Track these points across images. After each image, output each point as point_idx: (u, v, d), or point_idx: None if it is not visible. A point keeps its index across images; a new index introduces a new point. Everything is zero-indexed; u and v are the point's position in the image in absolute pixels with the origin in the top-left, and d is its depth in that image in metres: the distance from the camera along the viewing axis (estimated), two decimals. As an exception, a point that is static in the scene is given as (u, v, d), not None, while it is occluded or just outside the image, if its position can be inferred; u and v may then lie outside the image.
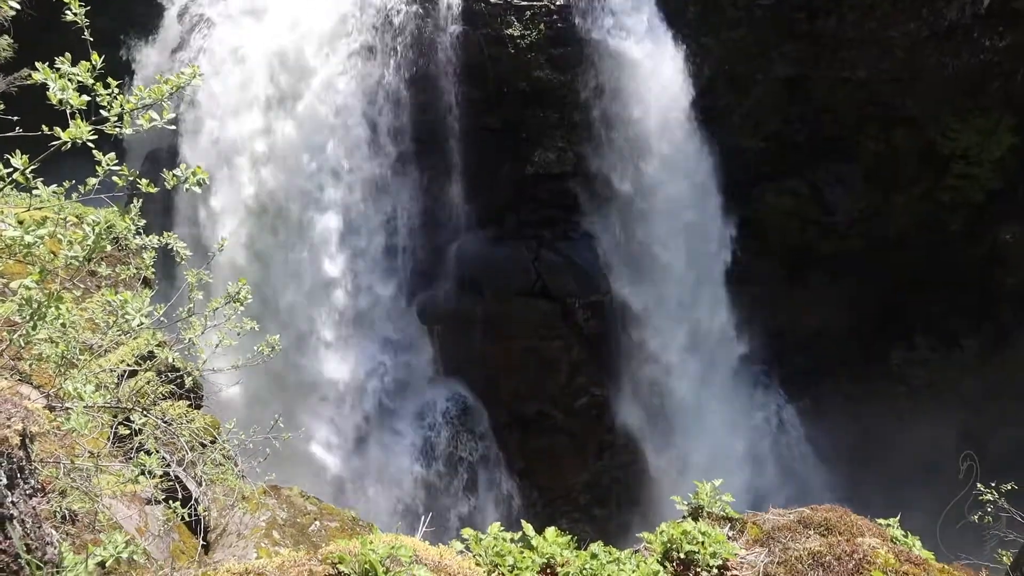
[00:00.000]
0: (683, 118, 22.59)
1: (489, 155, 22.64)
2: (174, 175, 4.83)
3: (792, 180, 24.58)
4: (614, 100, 22.23)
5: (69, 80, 3.88)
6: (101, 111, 4.09)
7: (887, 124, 24.03)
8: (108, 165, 4.35)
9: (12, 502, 2.83)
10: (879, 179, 24.63)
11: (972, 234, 25.21)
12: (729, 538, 4.42)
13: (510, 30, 21.40)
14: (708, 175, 23.25)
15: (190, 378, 7.02)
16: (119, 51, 23.11)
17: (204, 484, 8.54)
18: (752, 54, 23.02)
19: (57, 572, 2.95)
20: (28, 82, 3.99)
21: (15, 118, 4.31)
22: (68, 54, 3.92)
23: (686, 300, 23.73)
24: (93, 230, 4.44)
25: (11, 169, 3.91)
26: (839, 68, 23.19)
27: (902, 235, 25.18)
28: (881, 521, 4.65)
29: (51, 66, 3.87)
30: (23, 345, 4.55)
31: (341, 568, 3.32)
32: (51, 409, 5.80)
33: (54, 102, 3.85)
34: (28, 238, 4.17)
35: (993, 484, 10.04)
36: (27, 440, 3.11)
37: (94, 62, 3.93)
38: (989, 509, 9.81)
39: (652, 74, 22.14)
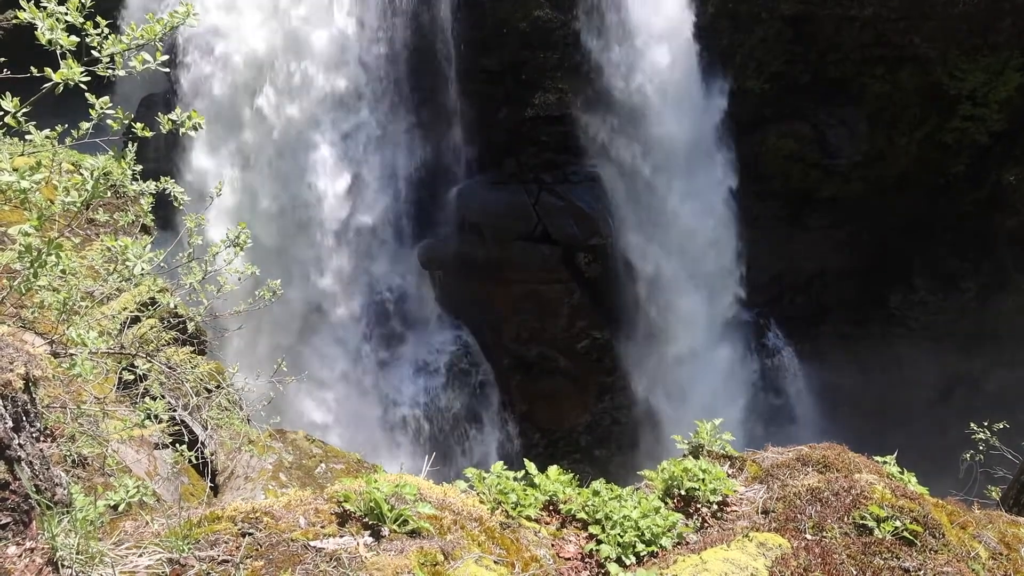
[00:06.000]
0: (685, 58, 22.17)
1: (488, 97, 22.31)
2: (169, 119, 4.75)
3: (795, 122, 24.25)
4: (615, 39, 21.78)
5: (57, 20, 3.77)
6: (93, 52, 3.98)
7: (893, 64, 23.58)
8: (102, 108, 4.27)
9: (19, 444, 2.86)
10: (883, 121, 24.30)
11: (974, 176, 25.00)
12: (729, 475, 4.50)
13: (509, -32, 20.87)
14: (710, 117, 22.93)
15: (192, 324, 7.04)
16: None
17: (210, 428, 8.66)
18: (757, -9, 22.48)
19: (67, 513, 3.00)
20: (14, 22, 3.87)
21: (2, 59, 4.21)
22: (55, -8, 3.80)
23: (686, 243, 23.68)
24: (91, 176, 4.38)
25: (1, 113, 3.83)
26: (846, 6, 22.64)
27: (903, 177, 24.98)
28: (878, 458, 4.72)
29: (38, 5, 3.76)
30: (24, 293, 4.54)
31: (346, 506, 3.38)
32: (55, 355, 5.83)
33: (43, 43, 3.75)
34: (24, 184, 4.12)
35: (986, 423, 10.20)
36: (31, 384, 3.13)
37: (83, 0, 3.82)
38: (981, 447, 9.99)
39: (654, 12, 21.66)
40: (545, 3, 21.38)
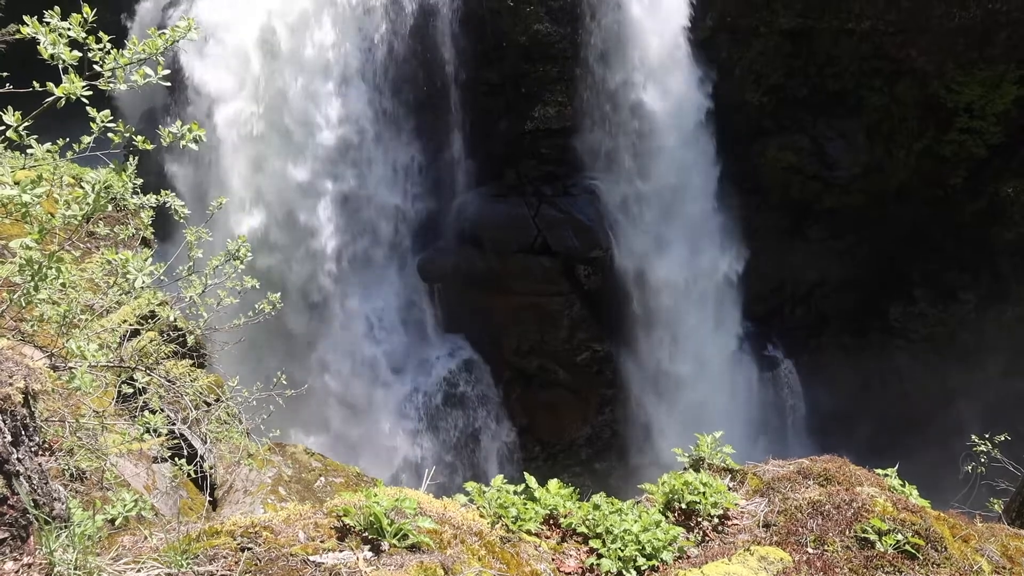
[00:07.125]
0: (684, 72, 22.28)
1: (488, 110, 22.40)
2: (170, 132, 4.76)
3: (793, 135, 24.34)
4: (614, 54, 21.90)
5: (60, 35, 3.79)
6: (95, 67, 4.00)
7: (890, 77, 23.70)
8: (103, 122, 4.28)
9: (18, 458, 2.85)
10: (881, 133, 24.39)
11: (972, 188, 25.08)
12: (730, 488, 4.49)
13: (508, -18, 20.99)
14: (708, 130, 23.01)
15: (192, 337, 7.03)
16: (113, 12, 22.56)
17: (209, 442, 8.63)
18: (755, 5, 22.60)
19: (65, 527, 2.99)
20: (16, 37, 3.89)
21: (5, 74, 4.23)
22: (57, 8, 3.82)
23: (686, 255, 23.70)
24: (92, 189, 4.39)
25: (2, 127, 3.85)
26: (844, 19, 22.78)
27: (902, 189, 25.05)
28: (879, 471, 4.71)
29: (40, 20, 3.78)
30: (24, 306, 4.54)
31: (346, 520, 3.36)
32: (55, 369, 5.82)
33: (45, 57, 3.77)
34: (25, 197, 4.13)
35: (987, 435, 10.16)
36: (30, 397, 3.13)
37: (85, 15, 3.84)
38: (983, 460, 9.95)
39: (652, 27, 21.78)
40: (544, 17, 21.50)
